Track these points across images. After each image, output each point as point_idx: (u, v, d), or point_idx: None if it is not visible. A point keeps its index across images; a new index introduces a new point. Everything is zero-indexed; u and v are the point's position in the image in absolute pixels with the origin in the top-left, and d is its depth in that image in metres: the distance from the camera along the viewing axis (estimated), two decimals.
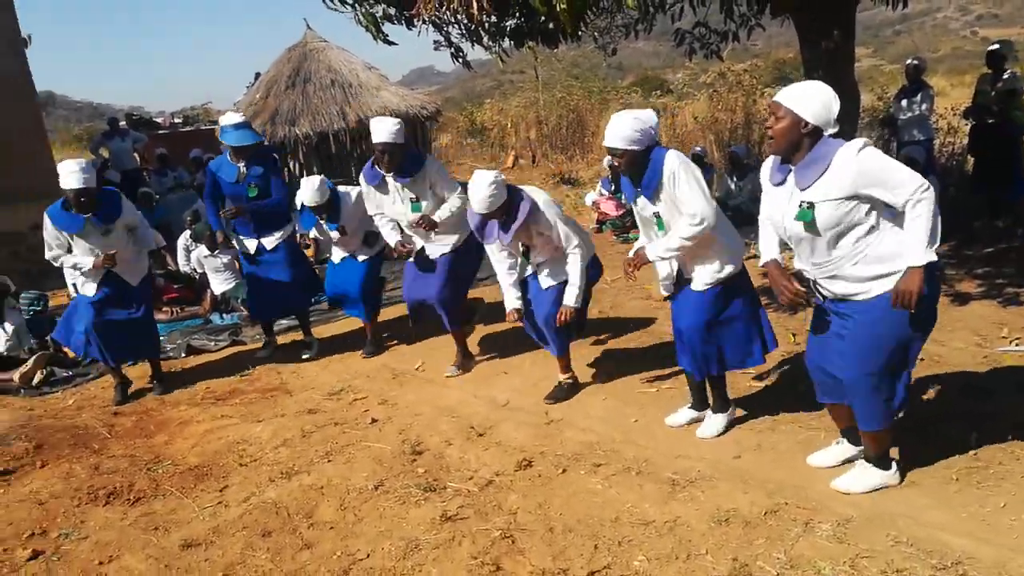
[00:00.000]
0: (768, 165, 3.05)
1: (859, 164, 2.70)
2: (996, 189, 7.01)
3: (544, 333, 4.38)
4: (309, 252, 6.01)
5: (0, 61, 9.25)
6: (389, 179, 4.84)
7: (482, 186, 3.99)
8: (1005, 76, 6.85)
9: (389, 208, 4.97)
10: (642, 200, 3.56)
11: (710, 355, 3.66)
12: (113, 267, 4.87)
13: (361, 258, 5.48)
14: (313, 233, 5.52)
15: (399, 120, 4.85)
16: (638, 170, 3.48)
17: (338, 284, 5.54)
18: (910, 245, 2.70)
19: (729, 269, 3.54)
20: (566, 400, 4.45)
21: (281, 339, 6.09)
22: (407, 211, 4.88)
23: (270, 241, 5.50)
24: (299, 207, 5.39)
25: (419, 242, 5.03)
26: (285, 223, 5.57)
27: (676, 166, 3.37)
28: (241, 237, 5.55)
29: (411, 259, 5.07)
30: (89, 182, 4.67)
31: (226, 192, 5.43)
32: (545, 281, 4.33)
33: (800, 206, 2.83)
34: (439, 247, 4.97)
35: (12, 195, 8.65)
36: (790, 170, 2.89)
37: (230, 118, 5.36)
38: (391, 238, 5.03)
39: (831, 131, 2.78)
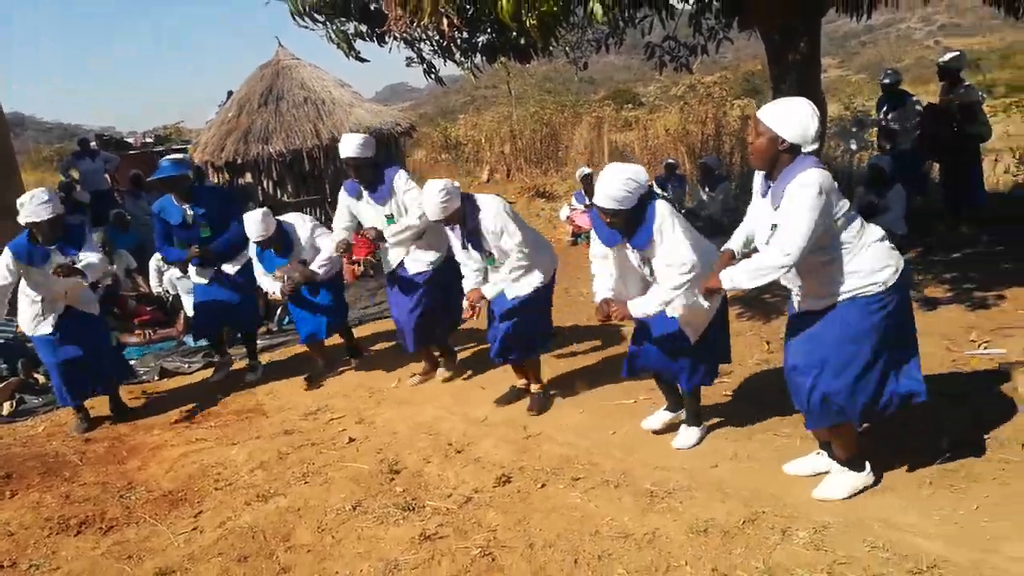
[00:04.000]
0: (759, 175, 3.07)
1: (790, 196, 2.77)
2: (957, 193, 7.13)
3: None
4: None
5: None
6: (365, 194, 4.83)
7: (433, 193, 4.11)
8: (962, 89, 6.95)
9: (368, 220, 4.93)
10: (629, 249, 3.54)
11: (683, 369, 3.70)
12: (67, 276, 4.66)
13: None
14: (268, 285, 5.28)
15: (367, 136, 4.85)
16: (628, 226, 3.44)
17: (307, 316, 5.37)
18: (738, 264, 2.98)
19: (702, 300, 3.53)
20: (540, 412, 4.48)
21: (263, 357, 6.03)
22: (384, 225, 4.85)
23: (231, 268, 5.45)
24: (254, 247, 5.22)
25: (396, 256, 4.99)
26: (243, 248, 5.45)
27: (663, 220, 3.34)
28: (200, 268, 5.46)
29: (390, 278, 5.06)
30: (59, 208, 4.62)
31: (176, 235, 5.30)
32: (511, 291, 4.30)
33: (771, 229, 2.90)
34: (417, 263, 4.94)
35: None
36: (771, 185, 2.95)
37: (170, 156, 5.35)
38: (336, 238, 4.97)
39: (809, 148, 2.82)
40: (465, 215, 4.21)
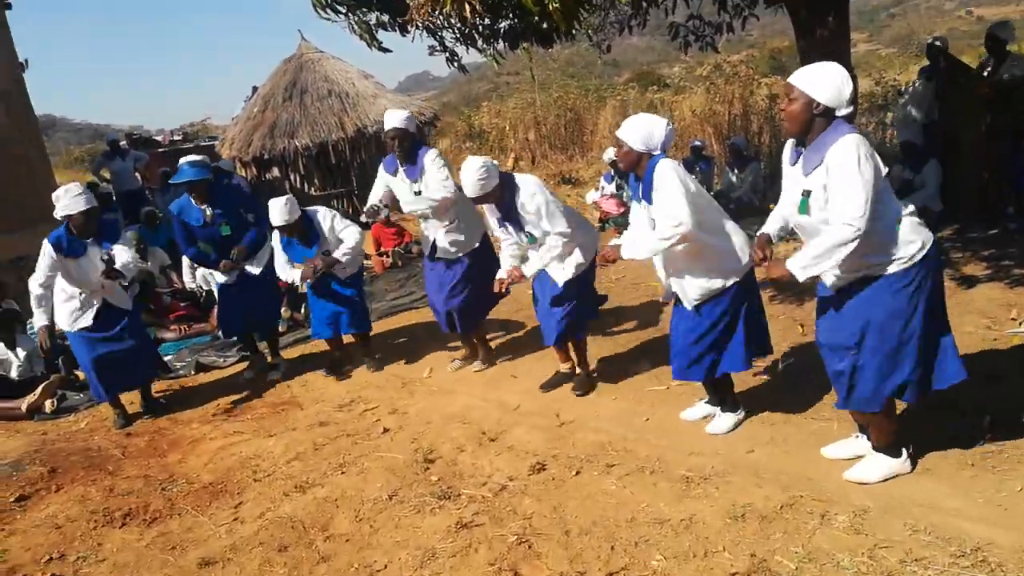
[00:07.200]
0: (788, 146, 3.04)
1: (837, 161, 2.71)
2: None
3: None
4: None
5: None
6: (401, 170, 4.90)
7: (471, 170, 4.15)
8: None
9: (399, 193, 5.00)
10: (644, 203, 3.57)
11: (700, 362, 3.65)
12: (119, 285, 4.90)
13: (340, 276, 5.31)
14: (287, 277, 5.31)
15: (410, 111, 4.99)
16: (636, 171, 3.52)
17: (327, 309, 5.36)
18: (802, 251, 2.83)
19: (718, 283, 3.49)
20: (586, 393, 4.53)
21: (287, 353, 6.10)
22: (410, 198, 4.92)
23: (254, 268, 5.44)
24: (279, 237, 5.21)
25: (431, 234, 5.02)
26: (263, 246, 5.48)
27: (663, 172, 3.37)
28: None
29: (428, 260, 5.11)
30: (93, 201, 4.74)
31: (198, 235, 5.34)
32: (556, 274, 4.37)
33: (802, 195, 2.86)
34: (451, 248, 4.95)
35: (18, 220, 8.68)
36: (802, 152, 2.90)
37: (188, 158, 5.35)
38: (373, 198, 5.05)
39: (844, 112, 2.78)
40: (502, 194, 4.25)
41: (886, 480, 3.11)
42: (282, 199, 5.06)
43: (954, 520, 2.81)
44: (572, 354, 4.68)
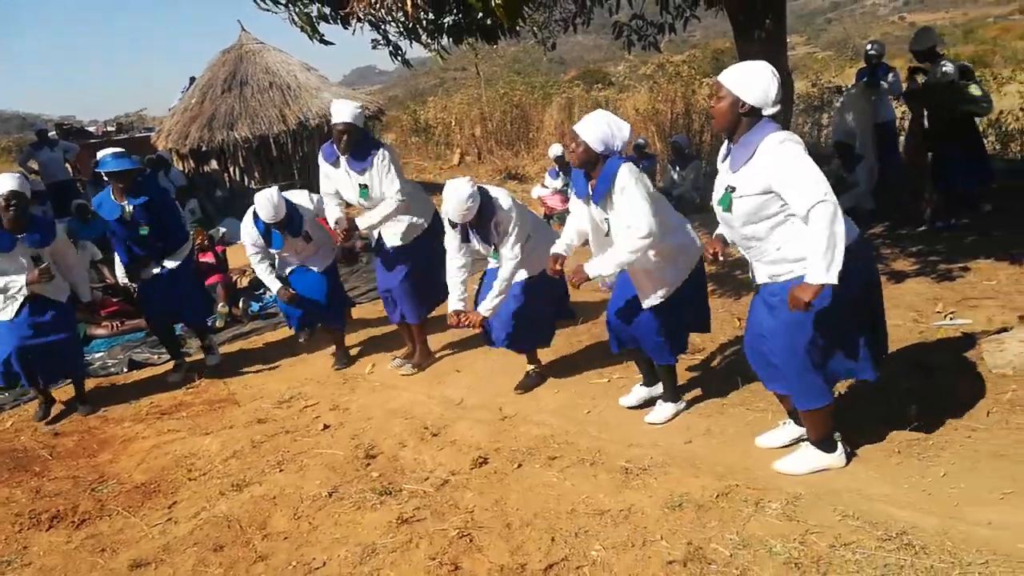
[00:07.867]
0: (724, 146, 3.06)
1: (775, 158, 2.74)
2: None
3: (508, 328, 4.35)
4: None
5: None
6: (343, 161, 4.72)
7: (460, 198, 3.93)
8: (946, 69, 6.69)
9: (342, 187, 4.83)
10: (593, 204, 3.55)
11: (661, 347, 3.72)
12: (47, 281, 4.65)
13: (317, 269, 5.24)
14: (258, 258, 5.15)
15: (360, 104, 4.81)
16: (589, 170, 3.47)
17: (302, 297, 5.23)
18: (810, 259, 2.69)
19: (678, 285, 3.57)
20: (533, 389, 4.52)
21: (225, 349, 5.97)
22: (356, 196, 4.77)
23: (173, 263, 5.22)
24: (254, 224, 5.02)
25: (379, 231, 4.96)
26: (184, 242, 5.30)
27: (627, 180, 3.33)
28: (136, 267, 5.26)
29: (376, 252, 5.05)
30: (24, 186, 4.53)
31: (116, 231, 5.09)
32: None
33: (725, 189, 2.91)
34: (391, 237, 4.90)
35: None
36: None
37: (108, 150, 5.07)
38: (332, 216, 4.90)
39: (769, 112, 2.82)
40: (483, 214, 4.05)
41: (814, 472, 3.18)
42: (273, 195, 4.83)
43: (882, 505, 2.91)
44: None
